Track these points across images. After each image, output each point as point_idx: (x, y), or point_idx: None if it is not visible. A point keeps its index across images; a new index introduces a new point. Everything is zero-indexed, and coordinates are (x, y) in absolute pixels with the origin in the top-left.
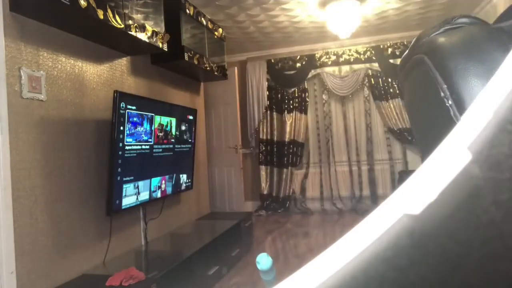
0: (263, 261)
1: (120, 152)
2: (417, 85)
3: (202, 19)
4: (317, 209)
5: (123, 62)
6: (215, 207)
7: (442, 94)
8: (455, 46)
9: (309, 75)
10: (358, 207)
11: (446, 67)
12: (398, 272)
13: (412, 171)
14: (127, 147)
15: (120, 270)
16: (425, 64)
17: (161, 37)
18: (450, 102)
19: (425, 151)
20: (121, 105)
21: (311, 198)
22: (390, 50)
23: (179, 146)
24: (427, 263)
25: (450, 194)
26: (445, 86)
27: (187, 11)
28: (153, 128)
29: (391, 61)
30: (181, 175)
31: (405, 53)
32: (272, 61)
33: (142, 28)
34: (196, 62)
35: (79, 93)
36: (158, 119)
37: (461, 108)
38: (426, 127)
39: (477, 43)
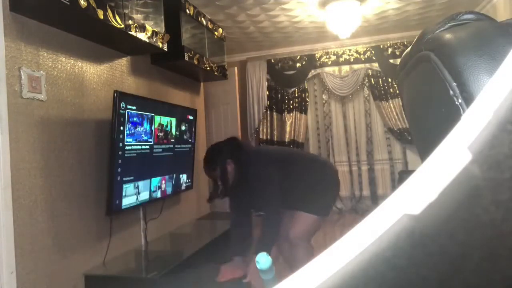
0: (263, 260)
1: (120, 152)
2: (421, 83)
3: (202, 19)
4: None
5: (123, 62)
6: (215, 207)
7: (451, 92)
8: (464, 42)
9: (309, 75)
10: (358, 207)
11: (456, 64)
12: (398, 272)
13: (412, 171)
14: (127, 147)
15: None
16: (431, 61)
17: (161, 37)
18: (460, 100)
19: (426, 151)
20: (121, 105)
21: None
22: (390, 50)
23: (179, 146)
24: (427, 263)
25: (450, 194)
26: (455, 84)
27: (187, 11)
28: (153, 128)
29: (391, 61)
30: (181, 175)
31: (406, 50)
32: (272, 61)
33: (142, 28)
34: (196, 62)
35: (79, 93)
36: (158, 119)
37: None
38: (429, 126)
39: (489, 38)
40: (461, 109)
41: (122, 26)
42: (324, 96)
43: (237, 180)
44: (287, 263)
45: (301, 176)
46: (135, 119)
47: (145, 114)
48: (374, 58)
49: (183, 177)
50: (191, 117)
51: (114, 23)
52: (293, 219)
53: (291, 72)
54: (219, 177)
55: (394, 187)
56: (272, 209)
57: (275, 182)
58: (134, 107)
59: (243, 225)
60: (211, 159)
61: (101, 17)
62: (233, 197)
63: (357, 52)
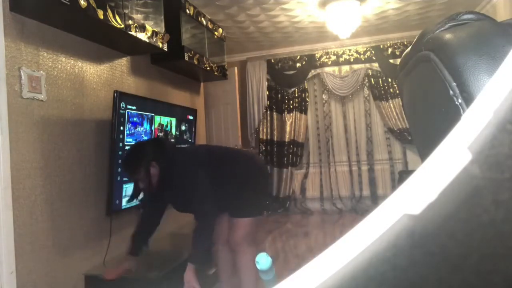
0: (263, 260)
1: (120, 152)
2: (421, 83)
3: (202, 19)
4: (317, 209)
5: (123, 62)
6: None
7: (451, 92)
8: (464, 42)
9: (309, 75)
10: (358, 207)
11: (456, 64)
12: (398, 272)
13: (412, 171)
14: (127, 147)
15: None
16: (431, 61)
17: (161, 37)
18: (460, 100)
19: (426, 151)
20: (121, 105)
21: (311, 198)
22: (390, 50)
23: (179, 146)
24: (427, 263)
25: (450, 194)
26: (455, 84)
27: (187, 11)
28: (153, 128)
29: (391, 61)
30: None
31: (406, 50)
32: (272, 61)
33: (142, 28)
34: (196, 62)
35: (79, 93)
36: (158, 119)
37: None
38: (429, 126)
39: (489, 38)
40: (461, 109)
41: (122, 26)
42: (324, 96)
43: (162, 183)
44: (225, 269)
45: (229, 177)
46: (135, 119)
47: (145, 114)
48: (374, 58)
49: None
50: (191, 117)
51: (114, 23)
52: (230, 226)
53: (291, 72)
54: (141, 179)
55: (394, 187)
56: (203, 210)
57: (204, 181)
58: (134, 107)
59: (150, 222)
60: (132, 160)
61: (101, 17)
62: (160, 200)
63: (357, 52)
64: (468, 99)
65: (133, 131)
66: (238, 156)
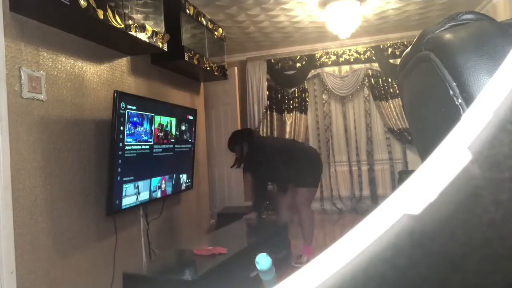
0: (262, 261)
1: (120, 152)
2: (421, 83)
3: (202, 19)
4: (317, 209)
5: (123, 62)
6: (215, 207)
7: (451, 92)
8: (464, 42)
9: (309, 75)
10: (358, 207)
11: (456, 64)
12: (398, 272)
13: (412, 171)
14: (127, 147)
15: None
16: (431, 61)
17: (161, 37)
18: (460, 100)
19: (426, 151)
20: (121, 105)
21: None
22: (390, 50)
23: (179, 146)
24: (427, 263)
25: (450, 194)
26: (455, 84)
27: (187, 11)
28: (153, 128)
29: (391, 61)
30: (181, 175)
31: (406, 50)
32: (272, 61)
33: (142, 28)
34: (196, 62)
35: (79, 93)
36: (158, 119)
37: None
38: (429, 126)
39: (489, 38)
40: (461, 109)
41: (122, 26)
42: (324, 96)
43: (248, 157)
44: (299, 224)
45: (296, 162)
46: (135, 119)
47: (145, 114)
48: (374, 58)
49: (183, 177)
50: (191, 117)
51: (114, 23)
52: (295, 193)
53: (291, 72)
54: (237, 152)
55: (394, 187)
56: (260, 180)
57: (269, 165)
58: (134, 107)
59: (258, 189)
60: (233, 139)
61: (101, 17)
62: (249, 170)
63: (357, 52)
64: (468, 99)
65: (133, 131)
66: (306, 151)
